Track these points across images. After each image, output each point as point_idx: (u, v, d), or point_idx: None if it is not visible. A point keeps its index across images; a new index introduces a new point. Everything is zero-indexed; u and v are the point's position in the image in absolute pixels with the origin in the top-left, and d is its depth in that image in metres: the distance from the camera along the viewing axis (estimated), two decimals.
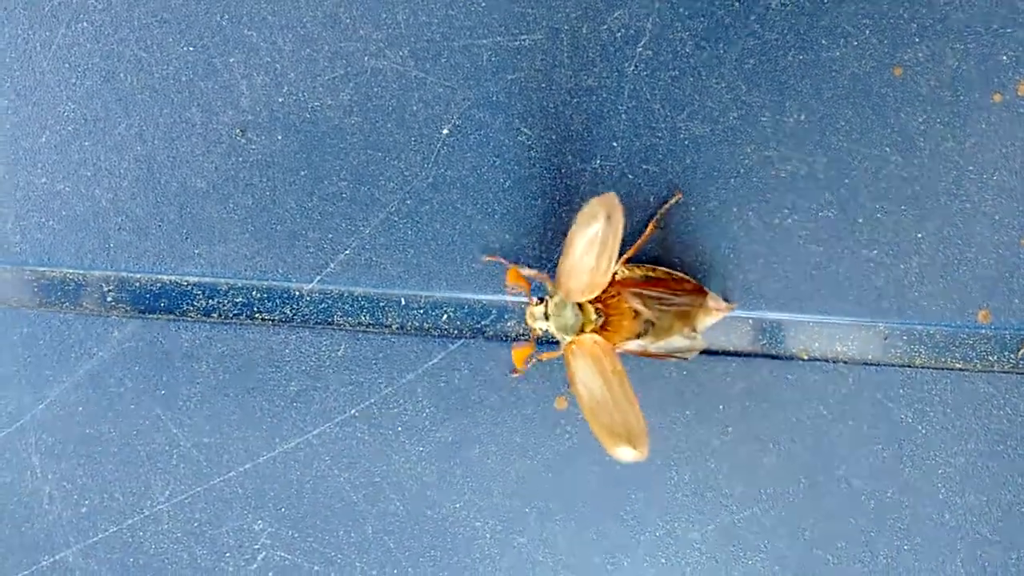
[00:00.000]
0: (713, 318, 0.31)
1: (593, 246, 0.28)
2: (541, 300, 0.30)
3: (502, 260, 0.32)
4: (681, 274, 0.32)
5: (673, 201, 0.32)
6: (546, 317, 0.29)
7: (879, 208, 0.33)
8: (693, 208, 0.33)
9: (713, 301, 0.31)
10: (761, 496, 0.33)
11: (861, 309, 0.33)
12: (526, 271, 0.31)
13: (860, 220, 0.33)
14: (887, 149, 0.32)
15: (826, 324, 0.33)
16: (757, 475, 0.33)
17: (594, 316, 0.29)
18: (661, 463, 0.33)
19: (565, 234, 0.31)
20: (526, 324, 0.30)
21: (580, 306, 0.30)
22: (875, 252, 0.33)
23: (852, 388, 0.33)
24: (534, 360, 0.32)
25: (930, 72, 0.32)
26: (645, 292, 0.30)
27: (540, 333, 0.30)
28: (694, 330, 0.32)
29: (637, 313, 0.30)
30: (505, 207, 0.33)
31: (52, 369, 0.34)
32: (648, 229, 0.32)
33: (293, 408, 0.34)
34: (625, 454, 0.29)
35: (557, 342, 0.31)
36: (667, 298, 0.31)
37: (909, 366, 0.33)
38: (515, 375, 0.31)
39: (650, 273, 0.32)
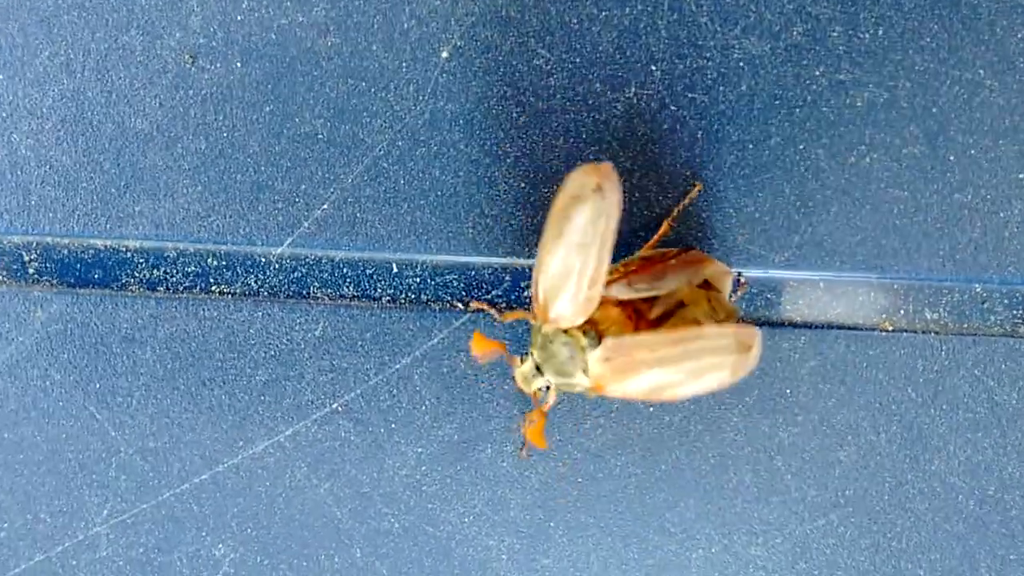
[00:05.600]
0: (729, 277, 0.29)
1: (583, 236, 0.25)
2: (524, 356, 0.27)
3: (487, 308, 0.30)
4: (661, 250, 0.29)
5: (694, 193, 0.30)
6: (539, 371, 0.27)
7: (974, 143, 0.31)
8: (751, 146, 0.31)
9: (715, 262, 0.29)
10: (838, 500, 0.31)
11: (955, 267, 0.31)
12: (513, 314, 0.29)
13: (951, 158, 0.31)
14: (981, 71, 0.30)
15: (913, 286, 0.31)
16: (833, 474, 0.31)
17: (585, 341, 0.26)
18: (716, 462, 0.31)
19: None
20: (520, 390, 0.28)
21: (565, 333, 0.26)
22: (970, 197, 0.31)
23: (945, 364, 0.31)
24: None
25: None
26: (632, 277, 0.27)
27: (542, 393, 0.27)
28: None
29: (623, 303, 0.27)
30: (519, 148, 0.31)
31: None
32: (662, 228, 0.30)
33: (260, 403, 0.32)
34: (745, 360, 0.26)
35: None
36: (657, 270, 0.27)
37: (1012, 336, 0.31)
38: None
39: (623, 267, 0.28)
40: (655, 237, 0.29)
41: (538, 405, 0.27)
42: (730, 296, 0.29)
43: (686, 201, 0.30)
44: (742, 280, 0.31)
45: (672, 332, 0.25)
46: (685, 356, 0.25)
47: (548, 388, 0.27)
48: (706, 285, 0.28)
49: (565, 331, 0.26)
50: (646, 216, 0.30)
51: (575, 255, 0.25)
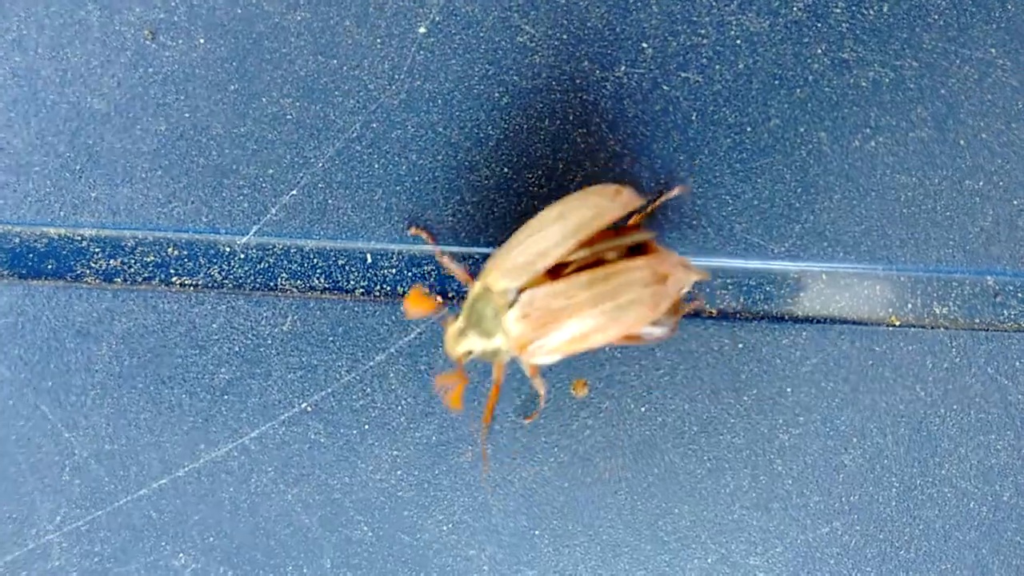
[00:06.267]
0: (686, 273, 0.27)
1: (574, 223, 0.26)
2: (456, 317, 0.28)
3: (424, 235, 0.29)
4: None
5: (672, 194, 0.29)
6: (465, 332, 0.27)
7: (985, 126, 0.30)
8: (749, 128, 0.30)
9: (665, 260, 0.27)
10: (843, 507, 0.31)
11: (965, 258, 0.30)
12: (451, 266, 0.28)
13: (961, 142, 0.30)
14: (992, 50, 0.30)
15: (921, 278, 0.31)
16: (837, 479, 0.31)
17: (504, 302, 0.26)
18: (712, 466, 0.31)
19: (579, 166, 0.30)
20: (448, 353, 0.28)
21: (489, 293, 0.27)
22: (981, 183, 0.30)
23: (956, 361, 0.31)
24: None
25: None
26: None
27: (467, 358, 0.27)
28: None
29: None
30: (501, 130, 0.30)
31: None
32: (631, 221, 0.29)
33: (223, 403, 0.31)
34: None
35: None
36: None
37: None
38: (454, 409, 0.28)
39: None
40: (622, 230, 0.28)
41: (460, 369, 0.27)
42: (687, 299, 0.29)
43: (658, 202, 0.29)
44: (696, 296, 0.30)
45: (584, 275, 0.25)
46: (602, 296, 0.25)
47: (471, 353, 0.27)
48: (637, 251, 0.27)
49: (488, 291, 0.26)
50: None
51: (556, 232, 0.25)
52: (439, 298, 0.30)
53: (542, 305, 0.26)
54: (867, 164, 0.30)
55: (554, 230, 0.25)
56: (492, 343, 0.26)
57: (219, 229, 0.31)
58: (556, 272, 0.26)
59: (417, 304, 0.26)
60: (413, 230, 0.30)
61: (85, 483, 0.31)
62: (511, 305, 0.25)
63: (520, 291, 0.26)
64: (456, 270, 0.28)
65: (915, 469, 0.30)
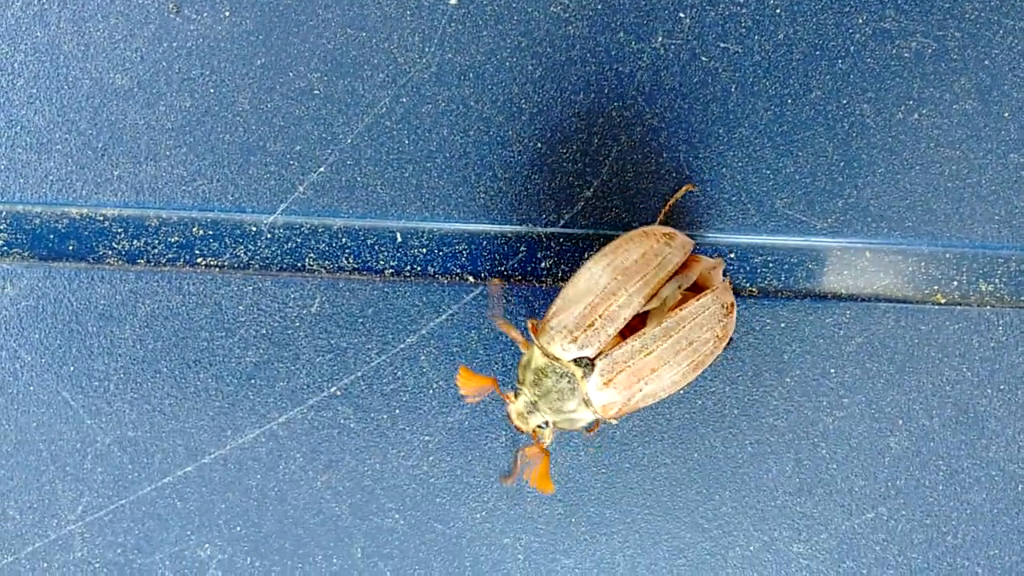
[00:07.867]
0: (720, 269, 0.28)
1: (634, 270, 0.26)
2: (517, 391, 0.27)
3: (495, 284, 0.30)
4: None
5: (680, 194, 0.29)
6: (535, 406, 0.26)
7: None
8: (789, 101, 0.30)
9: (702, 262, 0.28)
10: (888, 491, 0.31)
11: (1011, 234, 0.30)
12: (508, 328, 0.28)
13: (1006, 114, 0.30)
14: None
15: (967, 255, 0.30)
16: (882, 463, 0.31)
17: (579, 371, 0.26)
18: (754, 451, 0.30)
19: (615, 140, 0.30)
20: (517, 430, 0.27)
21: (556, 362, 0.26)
22: None
23: (1004, 339, 0.30)
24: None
25: None
26: None
27: (542, 431, 0.27)
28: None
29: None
30: (534, 104, 0.30)
31: None
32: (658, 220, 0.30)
33: (250, 387, 0.31)
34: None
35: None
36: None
37: None
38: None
39: None
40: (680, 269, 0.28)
41: (539, 443, 0.26)
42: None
43: (668, 205, 0.29)
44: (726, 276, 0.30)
45: (657, 326, 0.26)
46: (681, 341, 0.26)
47: (547, 425, 0.26)
48: (696, 288, 0.27)
49: (556, 360, 0.26)
50: (675, 178, 0.29)
51: (620, 288, 0.25)
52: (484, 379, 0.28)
53: (624, 367, 0.25)
54: (911, 137, 0.29)
55: (615, 287, 0.25)
56: (572, 416, 0.26)
57: (245, 208, 0.31)
58: (633, 332, 0.26)
59: (471, 384, 0.26)
60: (494, 285, 0.30)
61: (108, 471, 0.31)
62: (586, 374, 0.25)
63: (594, 357, 0.25)
64: (513, 333, 0.27)
65: (962, 451, 0.30)
